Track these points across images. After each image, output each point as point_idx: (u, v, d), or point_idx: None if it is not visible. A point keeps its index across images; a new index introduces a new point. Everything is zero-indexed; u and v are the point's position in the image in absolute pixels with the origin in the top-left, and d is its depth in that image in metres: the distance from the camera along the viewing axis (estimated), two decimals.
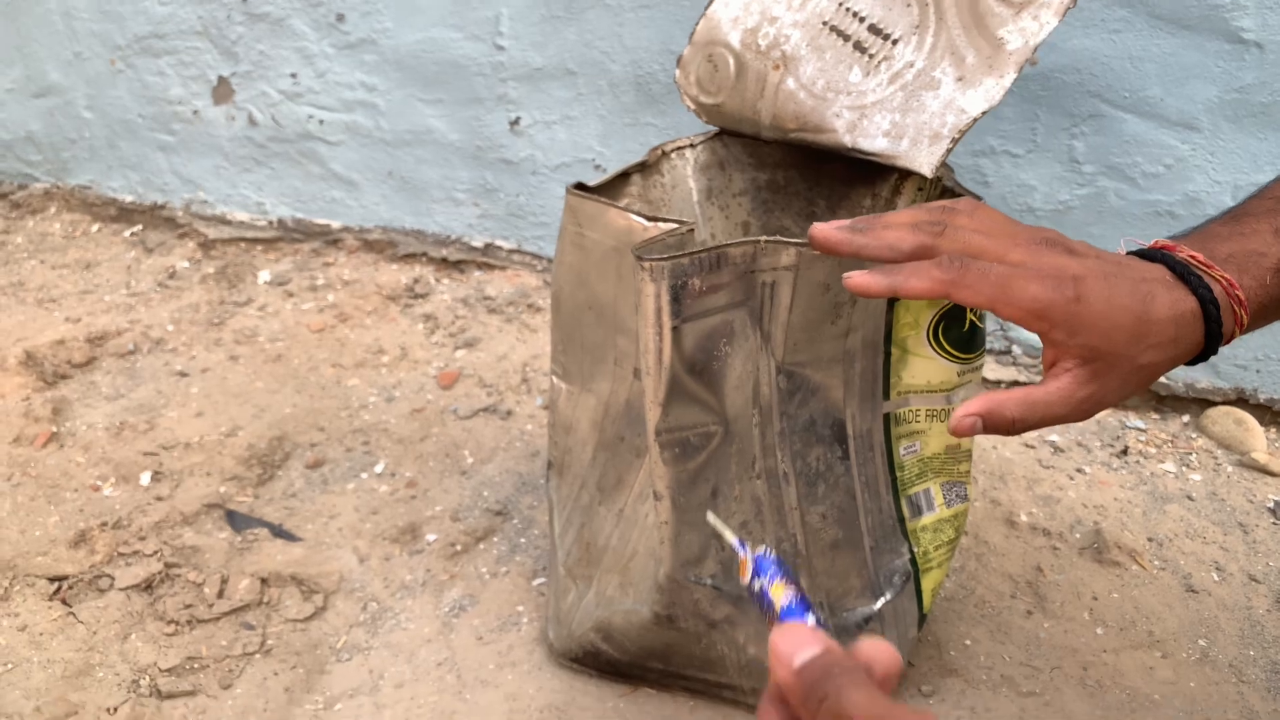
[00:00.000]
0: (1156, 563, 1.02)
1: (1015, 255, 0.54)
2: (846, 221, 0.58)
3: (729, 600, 0.81)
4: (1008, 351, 1.28)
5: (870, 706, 0.32)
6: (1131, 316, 0.53)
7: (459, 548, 1.08)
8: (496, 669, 0.94)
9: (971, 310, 0.79)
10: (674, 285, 0.70)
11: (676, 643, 0.84)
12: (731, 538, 0.41)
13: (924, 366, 0.82)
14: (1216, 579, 1.00)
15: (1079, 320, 0.52)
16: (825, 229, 0.58)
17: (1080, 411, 0.55)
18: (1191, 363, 0.57)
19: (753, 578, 0.40)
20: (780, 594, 0.38)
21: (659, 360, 0.72)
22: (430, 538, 1.10)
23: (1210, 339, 0.55)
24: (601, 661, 0.90)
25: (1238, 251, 0.57)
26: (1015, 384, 1.27)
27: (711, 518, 0.51)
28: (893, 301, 0.78)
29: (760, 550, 0.40)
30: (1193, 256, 0.56)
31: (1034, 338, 1.26)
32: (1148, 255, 0.58)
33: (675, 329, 0.71)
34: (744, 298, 0.73)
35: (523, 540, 1.09)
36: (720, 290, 0.72)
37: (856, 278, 0.54)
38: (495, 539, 1.09)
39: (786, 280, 0.73)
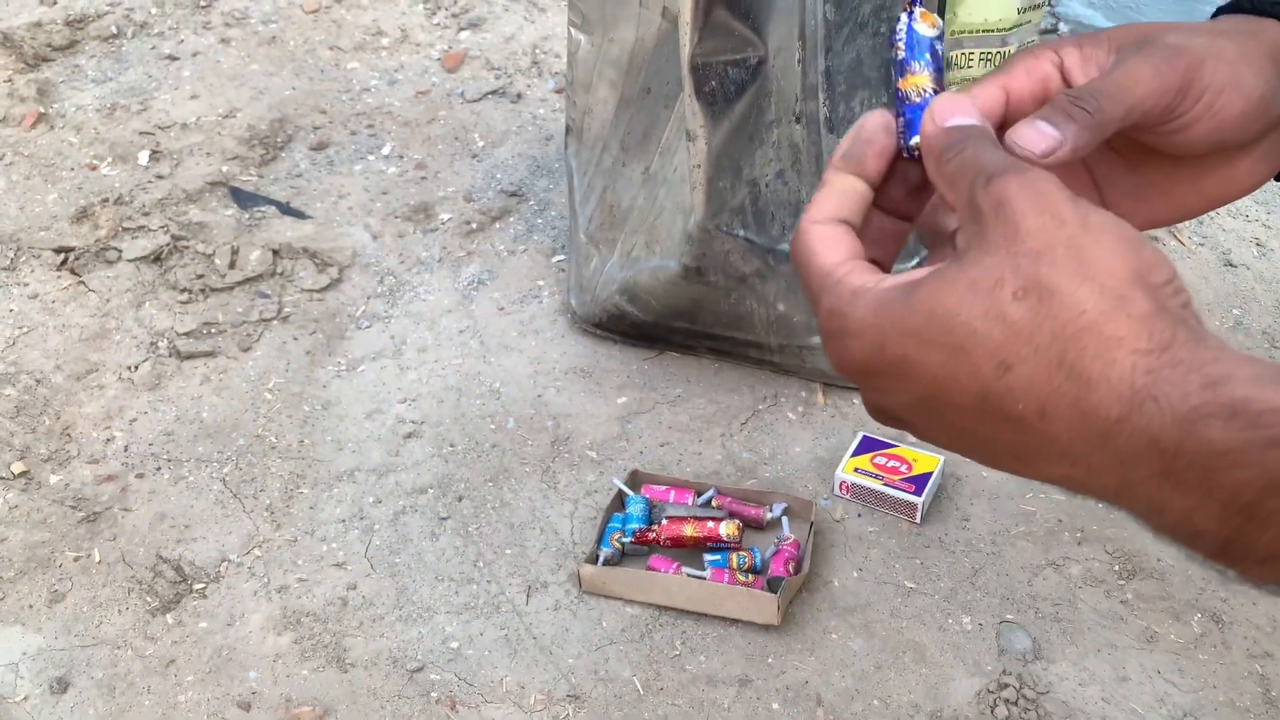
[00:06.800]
0: (1195, 239, 0.99)
1: None
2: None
3: (759, 254, 0.78)
4: (1053, 30, 1.19)
5: (1002, 160, 0.29)
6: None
7: (474, 226, 1.05)
8: (520, 336, 0.93)
9: None
10: None
11: (704, 298, 0.82)
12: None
13: (982, 1, 0.75)
14: (1256, 254, 0.98)
15: None
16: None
17: None
18: None
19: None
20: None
21: None
22: (444, 217, 1.06)
23: None
24: (626, 325, 0.89)
25: None
26: None
27: None
28: None
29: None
30: None
31: (1085, 14, 1.18)
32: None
33: None
34: None
35: (539, 221, 1.05)
36: None
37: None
38: (511, 219, 1.06)
39: None
